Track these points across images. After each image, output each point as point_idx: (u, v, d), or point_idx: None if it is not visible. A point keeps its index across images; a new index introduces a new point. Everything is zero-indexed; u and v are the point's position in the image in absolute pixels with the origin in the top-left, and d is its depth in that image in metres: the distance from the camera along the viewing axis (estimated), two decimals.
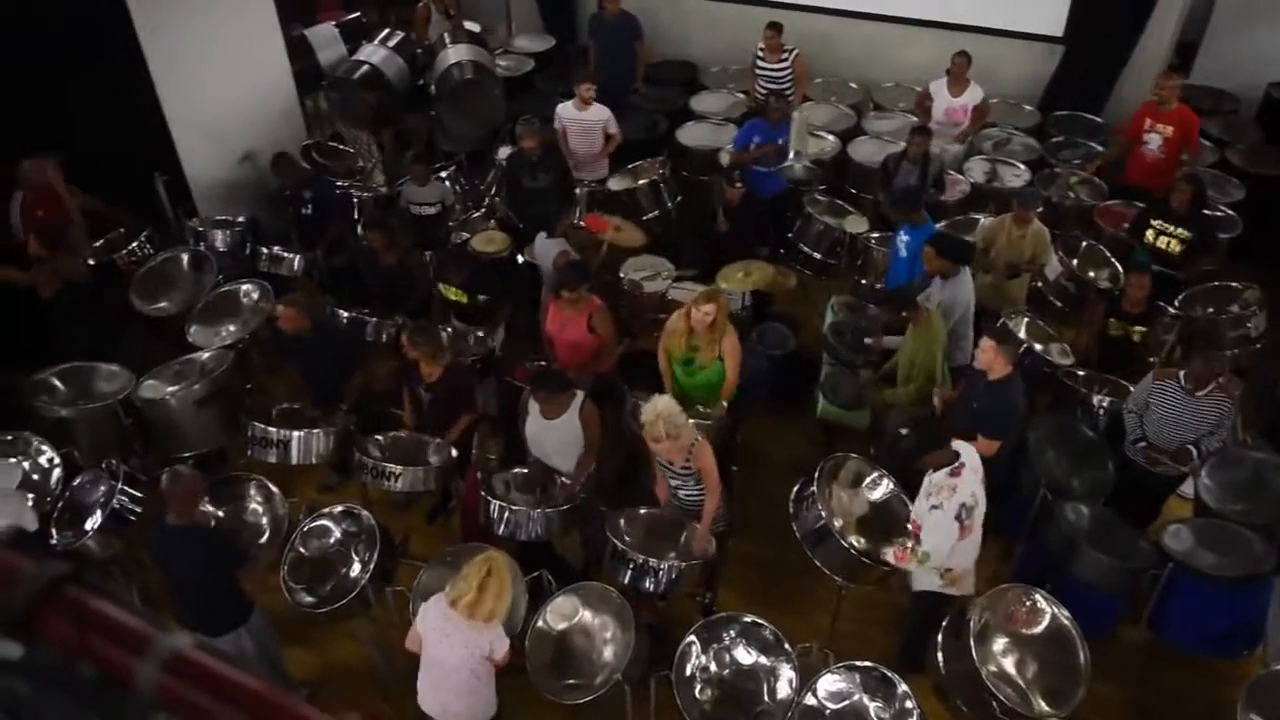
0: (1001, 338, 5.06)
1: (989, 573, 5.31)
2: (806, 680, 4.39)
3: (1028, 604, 4.65)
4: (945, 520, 4.44)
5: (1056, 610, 4.59)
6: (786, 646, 4.51)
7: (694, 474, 4.88)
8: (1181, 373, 5.33)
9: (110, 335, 6.38)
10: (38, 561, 0.78)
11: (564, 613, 4.70)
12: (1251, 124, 8.84)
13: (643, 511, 5.18)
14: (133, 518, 5.30)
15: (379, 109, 8.33)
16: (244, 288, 6.79)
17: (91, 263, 6.76)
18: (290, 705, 0.72)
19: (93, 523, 5.21)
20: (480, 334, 6.46)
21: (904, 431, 5.62)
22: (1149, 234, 6.76)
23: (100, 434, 5.92)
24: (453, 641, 3.96)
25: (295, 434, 5.52)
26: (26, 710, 0.95)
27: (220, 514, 5.28)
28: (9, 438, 5.58)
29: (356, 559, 5.06)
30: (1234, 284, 6.77)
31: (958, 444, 4.60)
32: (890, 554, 4.68)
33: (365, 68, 8.71)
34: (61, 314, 6.38)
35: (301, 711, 0.71)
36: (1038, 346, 6.22)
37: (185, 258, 7.04)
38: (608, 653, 4.59)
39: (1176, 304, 6.51)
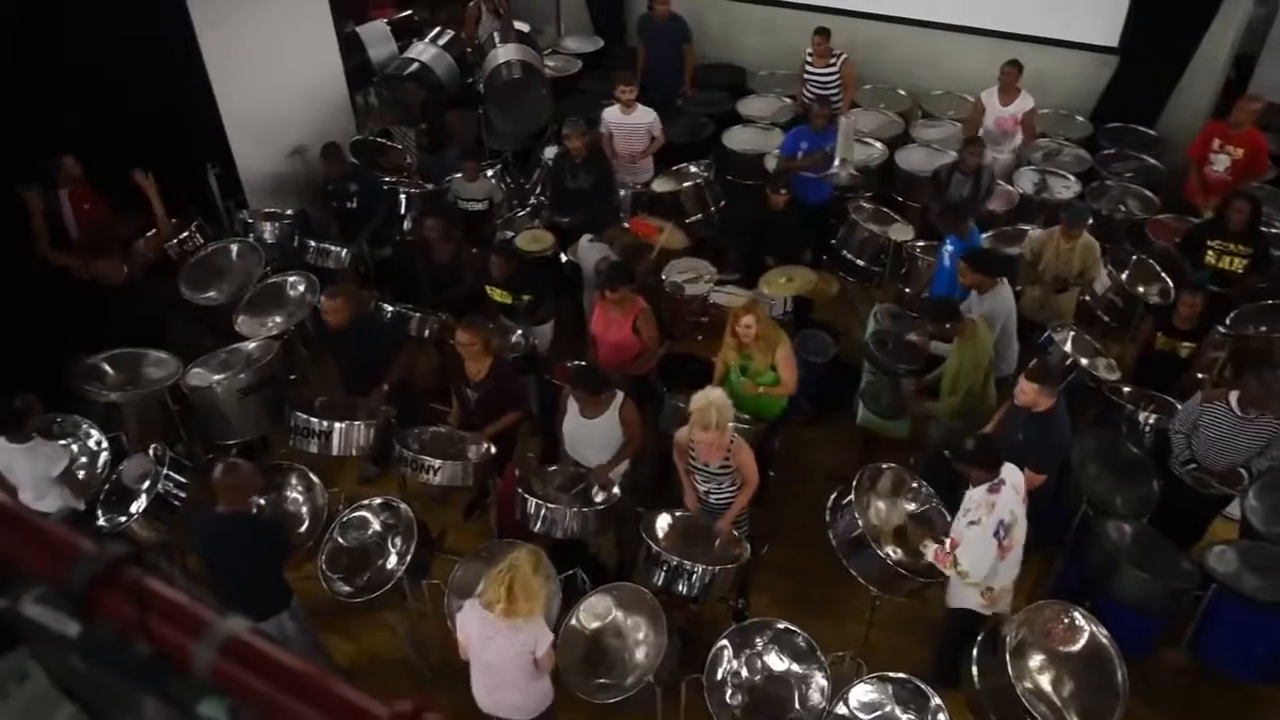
0: (1041, 377, 4.93)
1: (1027, 588, 5.25)
2: (838, 689, 4.37)
3: (1066, 621, 4.59)
4: (983, 537, 4.40)
5: (1095, 628, 4.53)
6: (819, 654, 4.49)
7: (729, 474, 4.87)
8: (1232, 394, 5.22)
9: (158, 323, 6.49)
10: (98, 543, 0.80)
11: (597, 612, 4.71)
12: None
13: (678, 514, 5.18)
14: (177, 503, 5.40)
15: (423, 104, 8.36)
16: (290, 280, 6.89)
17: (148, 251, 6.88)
18: (341, 690, 0.73)
19: (138, 506, 5.31)
20: (525, 332, 6.48)
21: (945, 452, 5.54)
22: (1209, 255, 6.64)
23: (148, 419, 6.04)
24: (498, 643, 4.00)
25: (337, 425, 5.60)
26: (81, 685, 0.97)
27: (261, 502, 5.36)
28: (59, 420, 5.70)
29: (393, 551, 5.11)
30: None
31: (1007, 465, 4.54)
32: (930, 551, 4.64)
33: (415, 65, 8.79)
34: (112, 301, 6.49)
35: (352, 696, 0.72)
36: (1083, 361, 6.14)
37: (234, 249, 7.15)
38: (639, 654, 4.60)
39: (1228, 322, 6.39)
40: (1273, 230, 7.17)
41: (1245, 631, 4.87)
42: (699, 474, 4.98)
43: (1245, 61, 9.11)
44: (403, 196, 7.78)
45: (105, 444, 5.71)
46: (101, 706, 0.98)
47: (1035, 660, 4.55)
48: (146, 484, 5.36)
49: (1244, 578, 4.89)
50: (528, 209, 7.87)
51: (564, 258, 7.26)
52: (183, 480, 5.47)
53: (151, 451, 5.52)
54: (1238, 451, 5.21)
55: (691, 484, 5.08)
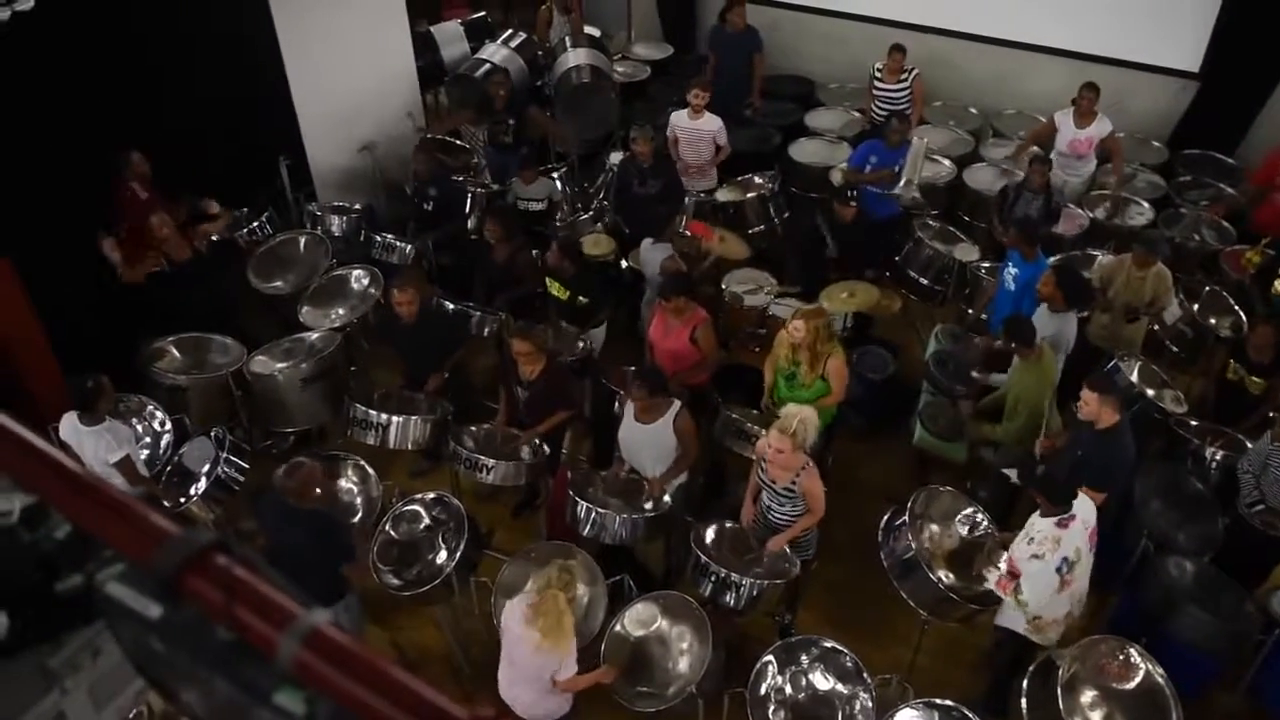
0: (1103, 388, 4.86)
1: (1082, 623, 5.13)
2: (884, 712, 4.31)
3: (1121, 658, 4.48)
4: (1046, 572, 4.32)
5: (1151, 667, 4.42)
6: (865, 676, 4.44)
7: (794, 497, 4.83)
8: None
9: (229, 307, 6.63)
10: (187, 529, 0.81)
11: (642, 619, 4.70)
12: None
13: (728, 525, 5.15)
14: (235, 488, 5.51)
15: (509, 97, 8.36)
16: (355, 273, 6.99)
17: (215, 238, 7.02)
18: (421, 690, 0.73)
19: (198, 488, 5.42)
20: (581, 335, 6.50)
21: (1007, 472, 5.46)
22: (1277, 283, 6.45)
23: (210, 403, 6.17)
24: (525, 649, 4.08)
25: (395, 419, 5.66)
26: (156, 664, 0.99)
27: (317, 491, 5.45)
28: (126, 401, 5.84)
29: (444, 546, 5.16)
30: None
31: (1081, 500, 4.45)
32: (992, 579, 4.56)
33: (486, 66, 8.87)
34: (182, 286, 6.64)
35: (431, 697, 0.73)
36: (1150, 392, 5.99)
37: (302, 240, 7.28)
38: (683, 664, 4.58)
39: None
40: None
41: None
42: (766, 489, 4.94)
43: None
44: (469, 196, 7.85)
45: (169, 425, 5.85)
46: (174, 686, 1.00)
47: (1087, 696, 4.44)
48: (207, 467, 5.47)
49: None
50: (590, 213, 7.90)
51: (624, 264, 7.28)
52: (242, 465, 5.58)
53: (213, 435, 5.64)
54: None
55: (754, 496, 5.04)
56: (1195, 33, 8.30)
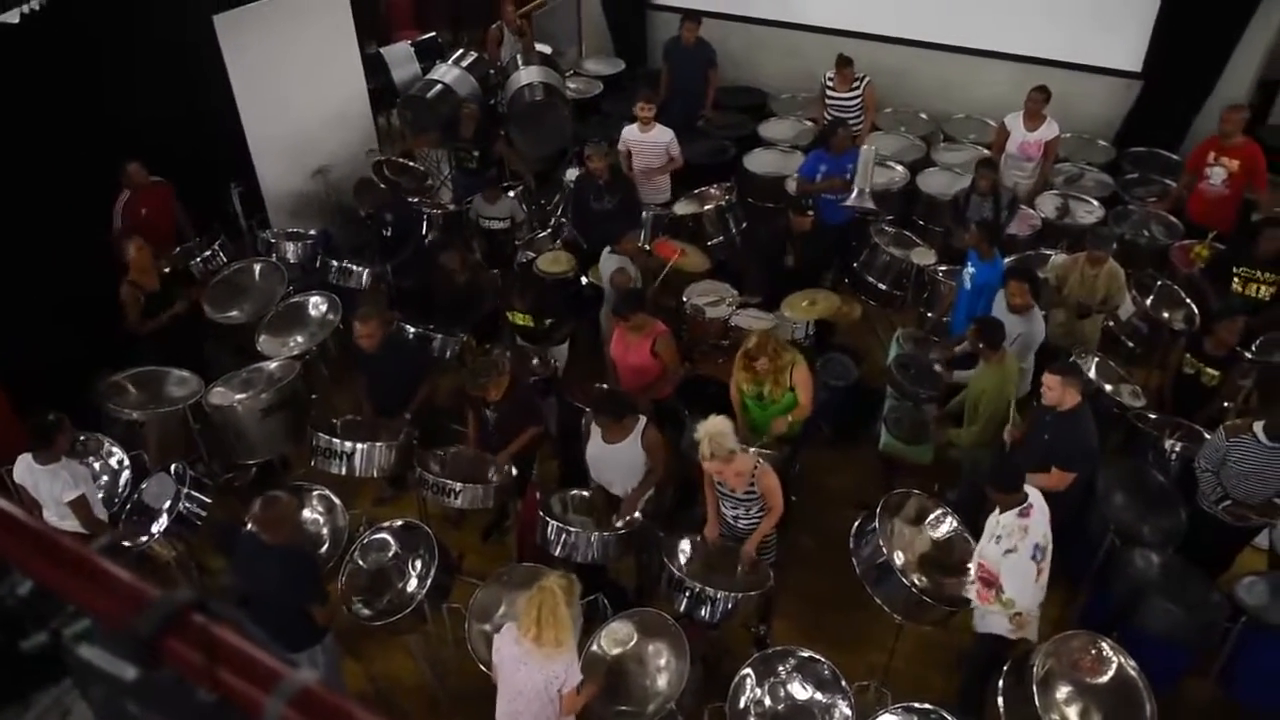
0: (1063, 371, 4.97)
1: (1053, 617, 5.18)
2: (863, 719, 4.31)
3: (1094, 652, 4.52)
4: (1023, 563, 4.36)
5: (1123, 660, 4.46)
6: (843, 683, 4.44)
7: (755, 499, 4.84)
8: (1256, 424, 5.14)
9: (185, 343, 6.53)
10: (165, 589, 0.79)
11: (619, 638, 4.67)
12: None
13: (700, 539, 5.14)
14: (198, 522, 5.40)
15: (480, 124, 8.35)
16: (313, 299, 6.91)
17: (166, 270, 6.97)
18: None
19: (159, 525, 5.31)
20: (543, 354, 6.48)
21: (968, 465, 5.52)
22: (1235, 283, 6.58)
23: (169, 438, 6.05)
24: (529, 669, 3.96)
25: (360, 446, 5.60)
26: None
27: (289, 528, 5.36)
28: (83, 439, 5.72)
29: (413, 574, 5.09)
30: None
31: (1026, 486, 4.51)
32: (973, 592, 4.59)
33: (439, 87, 8.84)
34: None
35: None
36: (1108, 387, 6.09)
37: (257, 268, 7.19)
38: (661, 681, 4.55)
39: (1253, 349, 6.32)
40: None
41: (1275, 665, 4.78)
42: (726, 499, 4.94)
43: (1268, 86, 9.07)
44: (425, 217, 7.80)
45: (127, 462, 5.73)
46: None
47: (1062, 692, 4.47)
48: (167, 504, 5.37)
49: (1274, 610, 4.82)
50: (549, 230, 7.88)
51: (584, 279, 7.26)
52: (204, 499, 5.48)
53: (173, 470, 5.53)
54: (1271, 482, 5.12)
55: (716, 511, 5.04)
56: (1136, 33, 8.48)
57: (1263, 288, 6.52)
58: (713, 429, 4.63)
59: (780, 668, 4.55)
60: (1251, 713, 4.98)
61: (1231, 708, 5.02)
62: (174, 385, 6.28)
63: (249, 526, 4.45)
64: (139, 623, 0.77)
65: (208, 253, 7.15)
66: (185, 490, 5.38)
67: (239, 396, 6.03)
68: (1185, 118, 8.63)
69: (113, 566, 0.88)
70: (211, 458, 6.26)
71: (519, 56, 9.17)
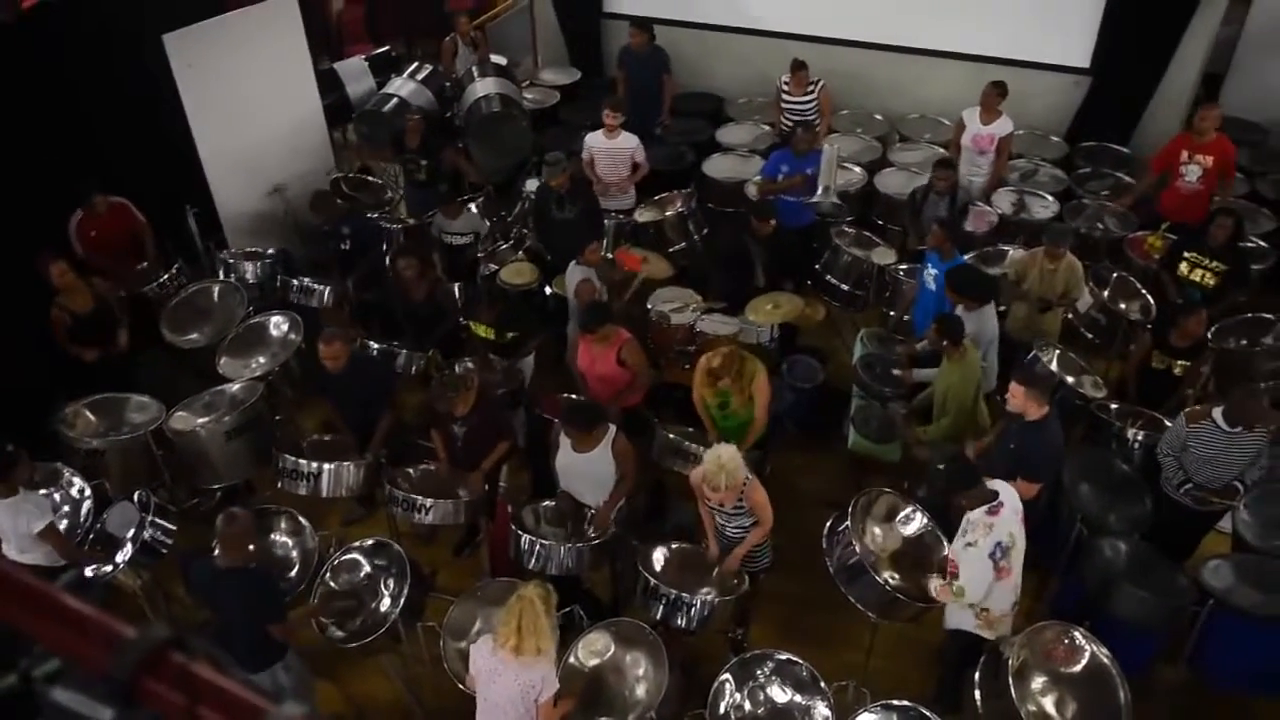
0: (1029, 380, 4.97)
1: (1025, 607, 5.23)
2: (843, 719, 4.32)
3: (1067, 642, 4.57)
4: (980, 558, 4.39)
5: (1096, 648, 4.51)
6: (822, 684, 4.45)
7: (743, 511, 4.84)
8: (1215, 410, 5.24)
9: (137, 367, 6.47)
10: (139, 627, 0.77)
11: (596, 649, 4.64)
12: None
13: (674, 546, 5.14)
14: (164, 550, 5.31)
15: (425, 136, 8.31)
16: (274, 319, 6.83)
17: (122, 294, 6.89)
18: None
19: (123, 555, 5.21)
20: (511, 366, 6.44)
21: (940, 466, 5.56)
22: (1183, 266, 6.70)
23: (131, 465, 5.95)
24: (504, 680, 3.93)
25: (326, 466, 5.53)
26: None
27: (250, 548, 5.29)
28: (41, 469, 5.59)
29: (386, 593, 5.03)
30: (1267, 315, 6.72)
31: (996, 483, 4.54)
32: (934, 587, 4.63)
33: (394, 100, 8.78)
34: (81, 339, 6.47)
35: None
36: (1069, 379, 6.17)
37: (216, 289, 7.10)
38: (640, 690, 4.53)
39: (1209, 336, 6.44)
40: (1249, 245, 7.27)
41: (1242, 646, 4.87)
42: (715, 512, 4.94)
43: (1213, 80, 9.26)
44: (385, 232, 7.74)
45: (88, 492, 5.62)
46: None
47: (1038, 682, 4.52)
48: (131, 532, 5.27)
49: (1239, 592, 4.90)
50: (510, 242, 7.85)
51: (548, 290, 7.24)
52: (168, 527, 5.38)
53: (136, 498, 5.43)
54: (1231, 466, 5.22)
55: (711, 524, 5.02)
56: (1083, 30, 8.62)
57: (1207, 274, 6.63)
58: (730, 461, 4.59)
59: (759, 671, 4.56)
60: (1221, 693, 5.06)
61: (1202, 689, 5.10)
62: (134, 411, 6.19)
63: (215, 552, 4.40)
64: (114, 663, 0.75)
65: (165, 276, 7.05)
66: (149, 518, 5.28)
67: (201, 421, 5.95)
68: (1134, 111, 8.78)
69: (81, 604, 0.86)
70: (175, 484, 6.16)
71: (474, 68, 9.14)
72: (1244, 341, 6.62)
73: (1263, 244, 7.49)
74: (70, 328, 6.26)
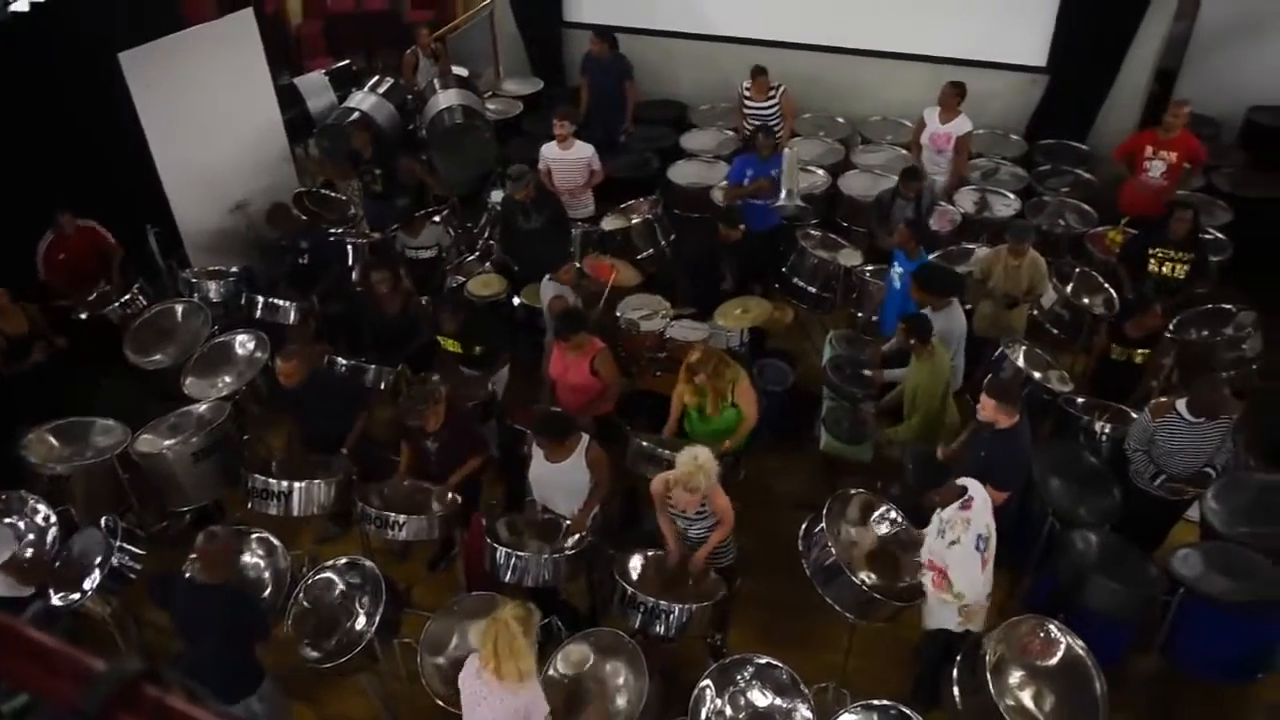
0: (1000, 394, 4.97)
1: (999, 601, 5.27)
2: None
3: (1042, 635, 4.61)
4: (968, 554, 4.43)
5: (1071, 641, 4.55)
6: (802, 687, 4.45)
7: (705, 515, 4.85)
8: (1179, 402, 5.31)
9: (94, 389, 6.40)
10: (110, 660, 0.75)
11: (575, 660, 4.63)
12: (1234, 148, 8.94)
13: (650, 554, 5.13)
14: (132, 575, 5.22)
15: (373, 148, 8.27)
16: (239, 338, 6.75)
17: (84, 316, 6.81)
18: None
19: (91, 582, 5.12)
20: (483, 379, 6.41)
21: (909, 466, 5.60)
22: (1152, 263, 6.78)
23: (96, 490, 5.87)
24: (489, 704, 3.87)
25: (297, 485, 5.47)
26: None
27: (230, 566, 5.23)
28: (3, 497, 5.50)
29: (361, 611, 4.98)
30: (1227, 306, 6.83)
31: (964, 480, 4.58)
32: (927, 580, 4.64)
33: (355, 114, 8.73)
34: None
35: None
36: (1036, 375, 6.23)
37: (179, 309, 7.01)
38: (620, 699, 4.52)
39: (1171, 328, 6.54)
40: (1208, 237, 7.39)
41: (1214, 633, 4.92)
42: (677, 517, 4.94)
43: (1166, 76, 9.41)
44: (349, 248, 7.69)
45: (53, 519, 5.51)
46: None
47: (1015, 676, 4.55)
48: (99, 558, 5.18)
49: (1209, 580, 4.96)
50: (477, 253, 7.82)
51: (516, 300, 7.22)
52: (137, 551, 5.30)
53: (102, 524, 5.34)
54: (1199, 455, 5.29)
55: (671, 528, 5.02)
56: (1040, 29, 8.74)
57: (1178, 266, 6.74)
58: (705, 462, 4.62)
59: (739, 676, 4.55)
60: (1194, 679, 5.12)
61: (1175, 677, 5.16)
62: (99, 435, 6.09)
63: (187, 573, 4.33)
64: (84, 697, 0.73)
65: (126, 297, 6.96)
66: (117, 544, 5.20)
67: (168, 443, 5.86)
68: (1091, 109, 8.91)
69: (47, 638, 0.84)
70: (143, 507, 6.08)
71: (436, 80, 9.11)
72: (1205, 332, 6.72)
73: (1220, 235, 7.62)
74: (5, 351, 6.26)
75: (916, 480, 4.69)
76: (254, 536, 5.41)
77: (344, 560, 5.16)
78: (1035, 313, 6.85)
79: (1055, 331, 6.87)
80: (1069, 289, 6.93)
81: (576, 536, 5.12)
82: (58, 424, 6.05)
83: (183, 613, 4.46)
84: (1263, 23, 8.84)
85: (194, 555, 4.40)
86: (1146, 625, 5.08)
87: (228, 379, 6.52)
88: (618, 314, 6.94)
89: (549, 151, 7.90)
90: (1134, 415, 5.70)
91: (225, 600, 4.33)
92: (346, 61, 10.16)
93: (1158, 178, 7.48)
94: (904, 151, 8.64)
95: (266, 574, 5.36)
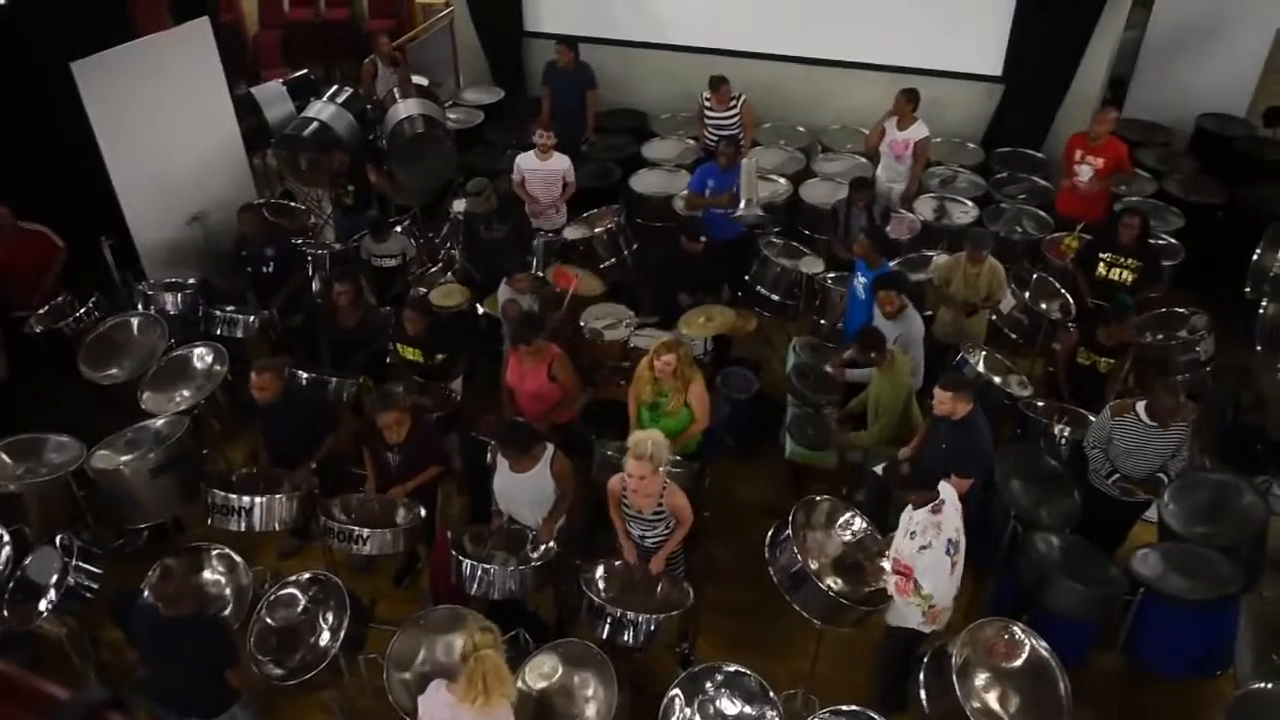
0: (954, 385, 5.09)
1: (963, 606, 5.31)
2: None
3: (1007, 637, 4.65)
4: (938, 559, 4.47)
5: (1035, 642, 4.60)
6: (771, 693, 4.46)
7: (663, 519, 4.85)
8: (1139, 404, 5.40)
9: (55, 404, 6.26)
10: (75, 691, 0.72)
11: (543, 671, 4.59)
12: (1185, 154, 9.12)
13: (617, 564, 5.11)
14: (89, 595, 5.11)
15: (348, 166, 8.20)
16: (197, 351, 6.64)
17: (39, 330, 6.68)
18: None
19: (47, 602, 5.01)
20: (441, 388, 6.37)
21: (878, 470, 5.64)
22: (1100, 267, 6.91)
23: (51, 508, 5.72)
24: None
25: (258, 500, 5.39)
26: None
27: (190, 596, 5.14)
28: None
29: (325, 627, 4.91)
30: (1180, 310, 6.97)
31: (942, 484, 4.62)
32: (892, 584, 4.67)
33: (314, 124, 8.65)
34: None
35: None
36: (997, 379, 6.31)
37: (135, 322, 6.89)
38: (590, 710, 4.49)
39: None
40: (1160, 243, 7.54)
41: (1174, 630, 5.00)
42: (633, 520, 4.93)
43: (1119, 83, 9.60)
44: (310, 258, 7.61)
45: (6, 538, 5.37)
46: None
47: (981, 679, 4.59)
48: (55, 578, 5.07)
49: (1168, 579, 5.03)
50: (439, 264, 7.78)
51: (480, 310, 7.19)
52: (94, 570, 5.19)
53: (59, 542, 5.23)
54: (1153, 458, 5.38)
55: (627, 534, 5.02)
56: (995, 38, 8.86)
57: (1125, 272, 6.86)
58: (655, 435, 4.68)
59: (708, 684, 4.54)
60: (1156, 677, 5.19)
61: (1138, 674, 5.24)
62: (53, 452, 5.96)
63: (145, 594, 4.24)
64: None
65: (81, 311, 6.83)
66: (73, 562, 5.09)
67: (125, 458, 5.75)
68: (1046, 116, 9.05)
69: (9, 668, 0.81)
70: (99, 525, 5.94)
71: (395, 90, 9.05)
72: (1160, 336, 6.84)
73: (1173, 241, 7.77)
74: None
75: (901, 484, 4.71)
76: (214, 553, 5.33)
77: (307, 575, 5.09)
78: (994, 319, 6.94)
79: (1014, 336, 6.96)
80: (1027, 295, 7.02)
81: (543, 548, 5.10)
82: (10, 440, 5.90)
83: (146, 642, 4.36)
84: (1210, 33, 9.06)
85: (150, 594, 4.28)
86: (1109, 625, 5.15)
87: (186, 393, 6.41)
88: (581, 323, 6.93)
89: (527, 162, 7.88)
90: (1092, 419, 5.78)
91: (191, 632, 4.23)
92: (305, 71, 10.06)
93: (1087, 182, 7.63)
94: (864, 160, 8.71)
95: (228, 591, 5.28)
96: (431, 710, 3.92)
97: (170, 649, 4.21)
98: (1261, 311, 6.54)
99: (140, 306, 7.09)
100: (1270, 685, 4.41)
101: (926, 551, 4.49)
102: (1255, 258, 7.30)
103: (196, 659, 4.23)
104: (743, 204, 7.30)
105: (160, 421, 6.08)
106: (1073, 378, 6.30)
